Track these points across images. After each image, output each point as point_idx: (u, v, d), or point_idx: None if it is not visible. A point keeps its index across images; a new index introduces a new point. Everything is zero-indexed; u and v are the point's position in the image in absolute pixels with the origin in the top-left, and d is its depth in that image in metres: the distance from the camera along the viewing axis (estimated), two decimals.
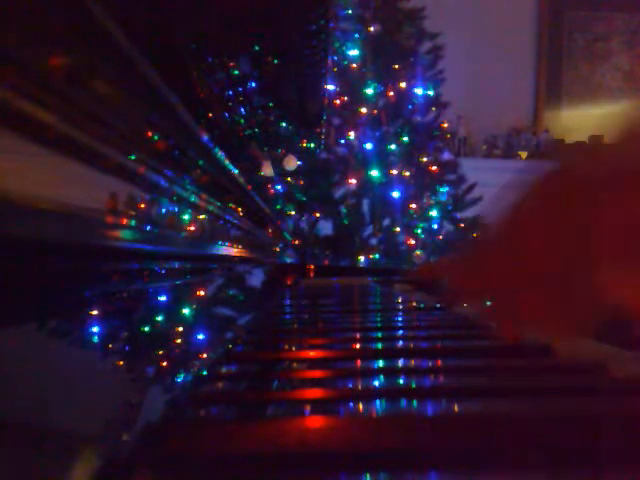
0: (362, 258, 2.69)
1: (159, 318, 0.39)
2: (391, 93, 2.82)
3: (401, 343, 0.39)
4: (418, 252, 2.73)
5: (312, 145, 1.33)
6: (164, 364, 0.32)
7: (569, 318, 0.19)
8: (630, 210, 0.17)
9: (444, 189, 2.88)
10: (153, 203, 0.37)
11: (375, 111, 2.78)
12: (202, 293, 0.56)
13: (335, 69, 2.64)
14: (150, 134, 0.37)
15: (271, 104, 0.87)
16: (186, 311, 0.45)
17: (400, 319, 0.65)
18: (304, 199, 2.67)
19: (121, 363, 0.28)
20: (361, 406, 0.23)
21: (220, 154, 0.55)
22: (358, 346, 0.38)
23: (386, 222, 2.80)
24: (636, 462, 0.19)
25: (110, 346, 0.28)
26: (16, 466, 0.15)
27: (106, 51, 0.26)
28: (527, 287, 0.19)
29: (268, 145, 0.98)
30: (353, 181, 2.75)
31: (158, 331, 0.36)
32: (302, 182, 2.54)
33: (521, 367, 0.31)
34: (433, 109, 2.92)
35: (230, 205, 0.70)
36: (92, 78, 0.26)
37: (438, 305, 0.70)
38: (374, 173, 2.75)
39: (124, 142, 0.31)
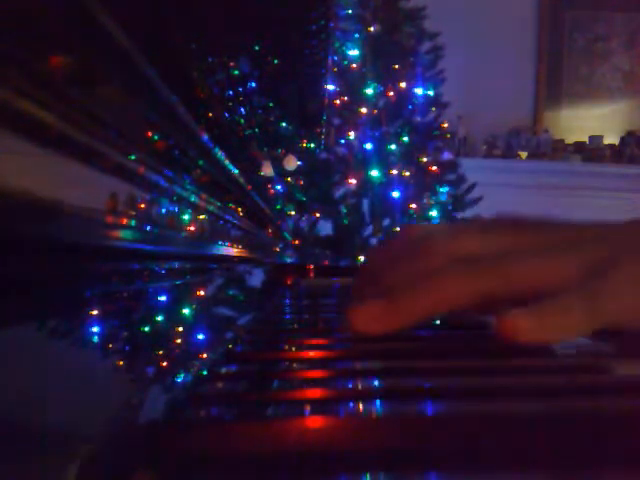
0: (362, 258, 2.69)
1: (159, 318, 0.39)
2: (391, 93, 2.82)
3: (400, 342, 0.39)
4: None
5: (312, 145, 1.33)
6: (164, 364, 0.32)
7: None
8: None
9: (444, 189, 2.88)
10: (153, 203, 0.37)
11: (375, 111, 2.78)
12: (202, 293, 0.56)
13: (335, 69, 2.64)
14: (150, 134, 0.37)
15: (271, 104, 0.87)
16: (186, 311, 0.45)
17: None
18: (304, 199, 2.67)
19: (121, 363, 0.28)
20: (361, 406, 0.23)
21: (220, 154, 0.55)
22: (358, 346, 0.38)
23: (386, 222, 2.80)
24: (636, 462, 0.19)
25: (110, 346, 0.28)
26: (15, 466, 0.15)
27: (106, 50, 0.26)
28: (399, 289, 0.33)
29: (268, 145, 0.98)
30: (353, 181, 2.75)
31: (158, 331, 0.36)
32: (302, 182, 2.54)
33: (521, 367, 0.31)
34: (433, 109, 2.92)
35: (230, 205, 0.70)
36: (92, 78, 0.26)
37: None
38: (374, 173, 2.75)
39: (124, 142, 0.31)
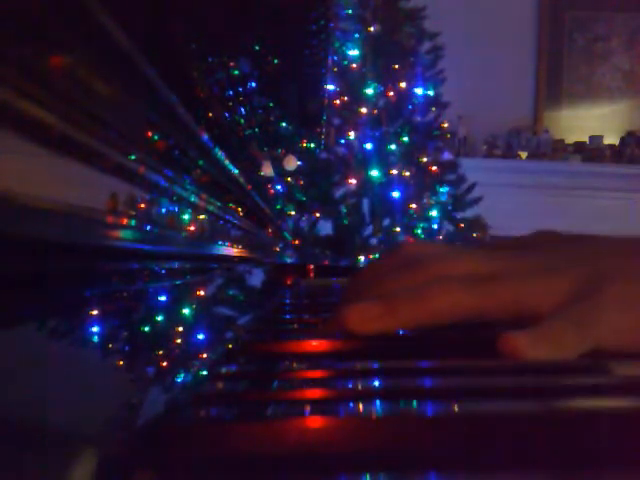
0: (362, 258, 2.69)
1: (159, 318, 0.39)
2: (391, 93, 2.82)
3: (399, 341, 0.39)
4: None
5: (312, 145, 1.33)
6: (164, 364, 0.32)
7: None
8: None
9: (444, 189, 2.88)
10: (153, 203, 0.37)
11: (375, 111, 2.78)
12: (202, 293, 0.56)
13: (335, 69, 2.64)
14: (150, 134, 0.37)
15: (271, 104, 0.87)
16: (186, 311, 0.45)
17: None
18: (304, 199, 2.67)
19: (121, 363, 0.28)
20: (361, 406, 0.23)
21: (220, 154, 0.55)
22: (358, 346, 0.38)
23: (386, 222, 2.80)
24: (636, 463, 0.19)
25: (110, 346, 0.28)
26: (15, 466, 0.15)
27: (106, 50, 0.26)
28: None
29: (268, 145, 0.98)
30: (353, 181, 2.75)
31: (158, 331, 0.36)
32: (302, 182, 2.54)
33: (521, 367, 0.31)
34: (433, 109, 2.92)
35: (230, 205, 0.70)
36: (92, 78, 0.26)
37: None
38: (374, 173, 2.75)
39: (124, 142, 0.31)
